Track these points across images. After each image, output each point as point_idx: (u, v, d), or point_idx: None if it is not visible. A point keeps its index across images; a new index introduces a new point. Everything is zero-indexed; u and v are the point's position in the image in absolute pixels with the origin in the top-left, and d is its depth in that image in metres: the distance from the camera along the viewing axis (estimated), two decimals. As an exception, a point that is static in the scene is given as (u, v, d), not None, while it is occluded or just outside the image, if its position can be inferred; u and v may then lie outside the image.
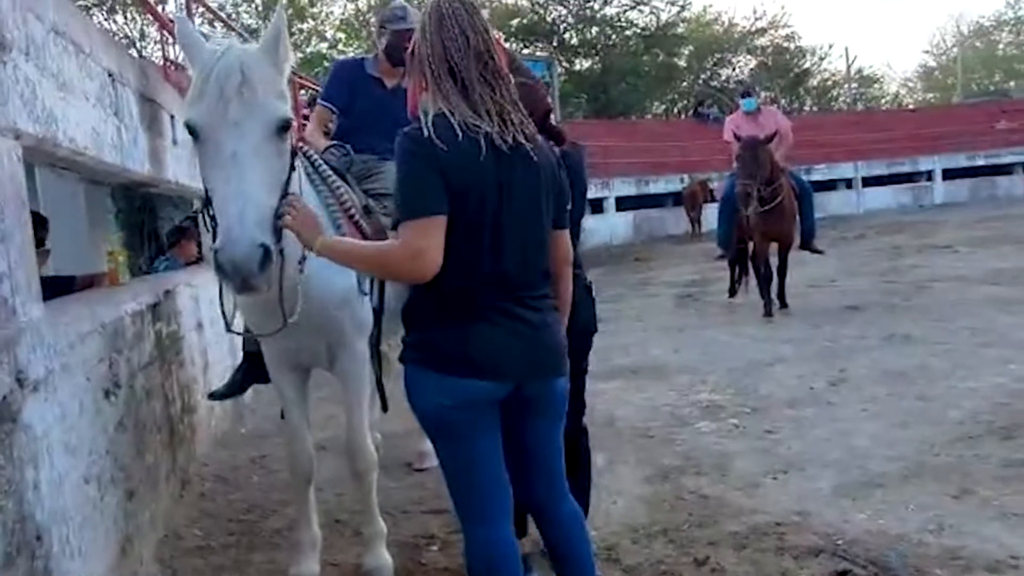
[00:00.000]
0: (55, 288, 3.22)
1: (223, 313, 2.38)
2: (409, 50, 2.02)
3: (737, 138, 7.76)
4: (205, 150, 2.13)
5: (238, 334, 2.78)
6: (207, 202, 2.18)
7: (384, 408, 3.12)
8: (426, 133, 1.84)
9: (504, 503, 2.03)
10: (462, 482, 2.01)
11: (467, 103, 1.89)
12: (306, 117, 8.16)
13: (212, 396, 3.71)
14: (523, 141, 1.92)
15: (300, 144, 3.07)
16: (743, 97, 8.74)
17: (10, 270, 1.94)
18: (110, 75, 3.14)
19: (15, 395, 1.88)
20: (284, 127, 2.20)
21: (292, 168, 2.28)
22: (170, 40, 8.84)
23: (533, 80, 2.55)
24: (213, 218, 2.12)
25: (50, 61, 2.45)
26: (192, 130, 2.15)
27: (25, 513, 1.89)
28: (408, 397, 2.02)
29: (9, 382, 1.85)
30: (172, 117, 4.23)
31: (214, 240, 2.07)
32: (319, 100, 4.02)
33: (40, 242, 3.31)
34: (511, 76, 2.00)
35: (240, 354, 3.73)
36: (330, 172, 3.01)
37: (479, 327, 1.92)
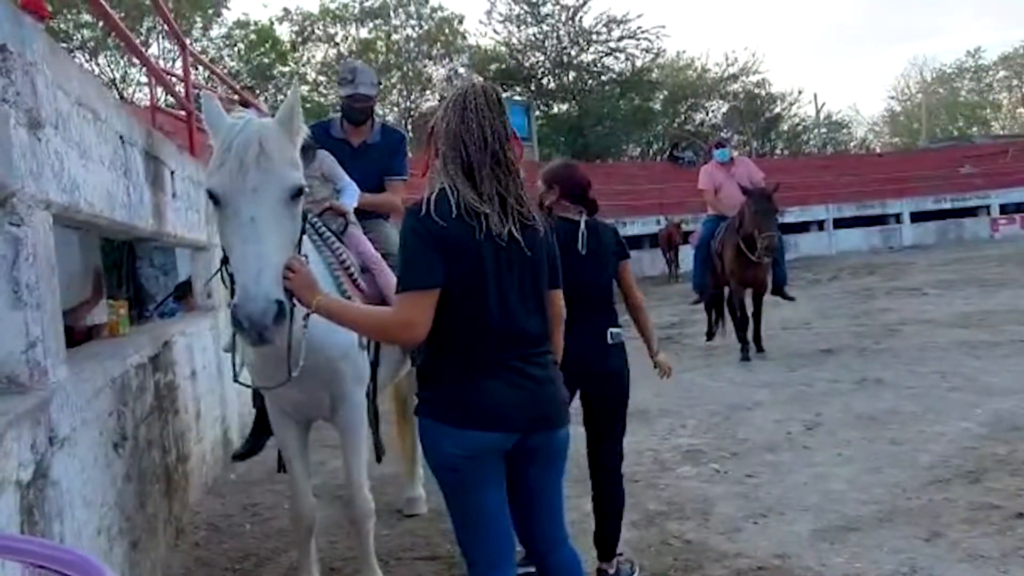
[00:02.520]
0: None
1: (233, 364, 2.50)
2: (428, 128, 2.18)
3: (745, 191, 7.93)
4: (225, 215, 2.28)
5: (245, 386, 2.90)
6: (225, 260, 2.33)
7: (379, 458, 3.25)
8: (424, 211, 2.02)
9: (509, 549, 2.15)
10: (471, 529, 2.12)
11: (473, 189, 2.05)
12: None
13: (235, 457, 3.80)
14: (517, 233, 2.06)
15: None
16: (717, 148, 9.06)
17: (43, 335, 2.07)
18: (121, 138, 3.28)
19: (48, 453, 1.99)
20: (297, 193, 2.36)
21: (303, 231, 2.46)
22: (156, 83, 9.01)
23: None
24: (231, 275, 2.27)
25: (74, 131, 2.59)
26: (213, 196, 2.29)
27: (53, 566, 1.98)
28: (425, 450, 2.16)
29: (44, 441, 1.96)
30: (172, 173, 4.37)
31: (232, 296, 2.21)
32: None
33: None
34: (520, 170, 2.14)
35: (231, 407, 3.82)
36: (330, 234, 3.19)
37: (489, 383, 2.06)
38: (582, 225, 3.16)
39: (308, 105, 29.20)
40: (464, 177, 2.05)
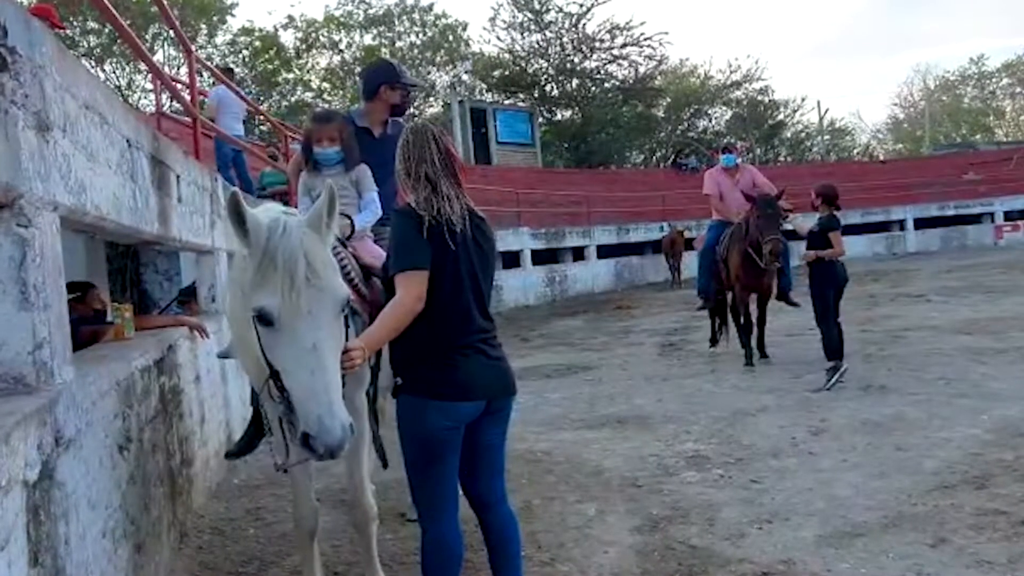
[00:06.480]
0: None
1: (275, 451, 2.71)
2: (403, 158, 2.63)
3: (749, 198, 7.90)
4: (280, 336, 2.22)
5: (284, 469, 2.91)
6: (275, 374, 2.29)
7: (384, 464, 3.23)
8: (413, 211, 2.50)
9: (457, 499, 2.61)
10: (434, 488, 2.53)
11: (442, 198, 2.54)
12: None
13: (228, 455, 3.80)
14: (471, 229, 2.55)
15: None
16: (723, 153, 9.05)
17: (50, 336, 2.07)
18: (128, 142, 3.29)
19: (54, 453, 1.99)
20: (346, 303, 2.36)
21: (347, 326, 2.43)
22: (163, 89, 9.04)
23: None
24: (282, 390, 2.26)
25: (81, 134, 2.60)
26: (266, 318, 2.22)
27: (58, 567, 1.98)
28: (407, 424, 2.51)
29: (50, 441, 1.97)
30: (178, 177, 4.38)
31: (285, 407, 2.26)
32: None
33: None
34: (462, 180, 2.66)
35: (234, 412, 3.79)
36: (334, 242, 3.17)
37: (466, 362, 2.50)
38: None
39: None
40: (432, 190, 2.53)
